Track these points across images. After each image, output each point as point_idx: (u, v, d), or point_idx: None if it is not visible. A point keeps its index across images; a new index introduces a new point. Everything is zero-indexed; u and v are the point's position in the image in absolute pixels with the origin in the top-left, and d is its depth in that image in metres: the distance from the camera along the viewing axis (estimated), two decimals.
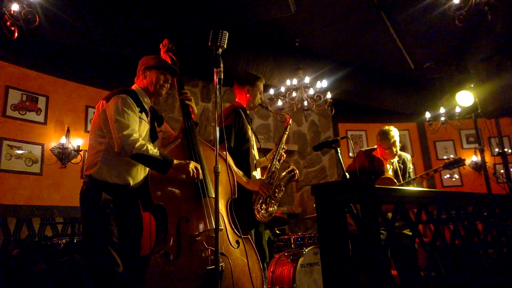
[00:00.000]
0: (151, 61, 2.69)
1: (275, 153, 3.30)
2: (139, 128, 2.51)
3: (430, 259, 1.92)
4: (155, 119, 2.77)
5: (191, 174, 2.50)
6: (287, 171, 3.30)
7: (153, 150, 2.44)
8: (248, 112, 3.43)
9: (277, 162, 3.27)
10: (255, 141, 3.41)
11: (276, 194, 3.19)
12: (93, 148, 2.51)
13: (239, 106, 3.34)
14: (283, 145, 3.37)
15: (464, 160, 3.82)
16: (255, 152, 3.35)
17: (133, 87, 2.70)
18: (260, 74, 5.78)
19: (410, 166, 4.14)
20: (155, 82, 2.65)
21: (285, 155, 3.39)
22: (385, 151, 3.96)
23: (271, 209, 3.17)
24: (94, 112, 2.62)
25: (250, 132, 3.30)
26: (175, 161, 2.49)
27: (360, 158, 4.11)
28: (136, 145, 2.36)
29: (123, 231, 2.41)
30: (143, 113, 2.59)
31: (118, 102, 2.45)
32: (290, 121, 3.50)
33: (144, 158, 2.39)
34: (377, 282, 1.51)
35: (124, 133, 2.36)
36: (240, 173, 3.10)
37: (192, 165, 2.54)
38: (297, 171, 3.31)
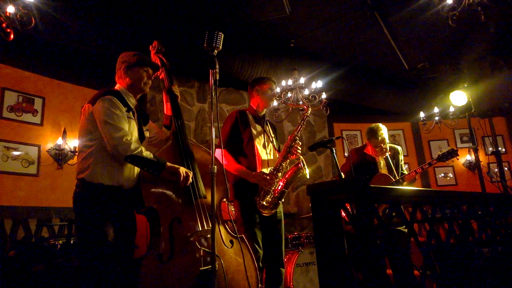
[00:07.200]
0: (132, 58, 2.66)
1: (287, 145, 3.22)
2: (129, 128, 2.51)
3: (425, 258, 1.94)
4: (141, 118, 2.76)
5: (182, 178, 2.52)
6: (295, 164, 3.16)
7: (146, 152, 2.46)
8: (261, 112, 3.43)
9: (288, 155, 3.20)
10: (267, 141, 3.36)
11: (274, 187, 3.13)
12: (83, 151, 2.49)
13: (240, 110, 3.37)
14: (297, 134, 3.26)
15: (457, 150, 3.84)
16: (265, 150, 3.31)
17: (117, 87, 2.67)
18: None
19: (401, 158, 4.14)
20: (139, 80, 2.64)
21: (299, 148, 3.23)
22: (375, 149, 3.97)
23: (264, 202, 3.10)
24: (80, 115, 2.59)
25: (256, 131, 3.29)
26: (168, 164, 2.50)
27: (352, 156, 4.12)
28: (130, 148, 2.38)
29: (117, 233, 2.41)
30: (131, 112, 2.58)
31: (106, 105, 2.43)
32: (310, 111, 3.36)
33: (138, 160, 2.39)
34: (373, 281, 1.53)
35: (116, 135, 2.37)
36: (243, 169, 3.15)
37: (184, 169, 2.57)
38: (303, 162, 3.14)
